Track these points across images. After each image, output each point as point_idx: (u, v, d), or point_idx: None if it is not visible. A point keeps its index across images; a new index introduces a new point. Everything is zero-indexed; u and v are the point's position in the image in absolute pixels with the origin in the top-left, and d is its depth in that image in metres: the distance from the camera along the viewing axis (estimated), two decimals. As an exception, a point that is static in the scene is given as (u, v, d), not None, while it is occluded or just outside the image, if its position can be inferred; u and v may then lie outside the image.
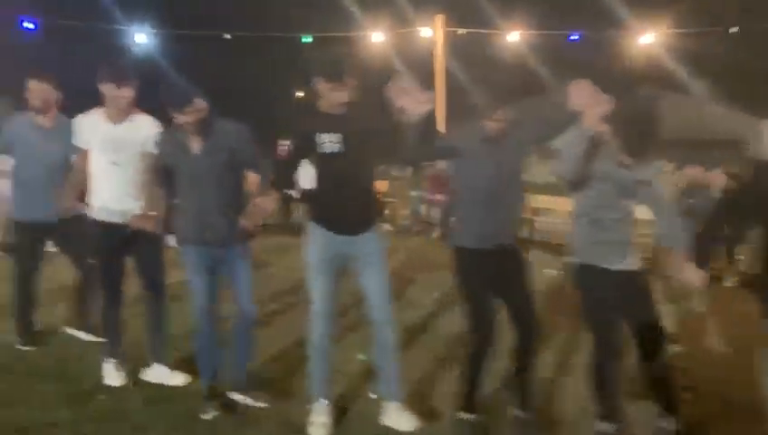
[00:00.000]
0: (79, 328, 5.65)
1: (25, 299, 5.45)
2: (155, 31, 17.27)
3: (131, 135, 4.62)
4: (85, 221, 4.99)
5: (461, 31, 17.64)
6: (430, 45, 17.40)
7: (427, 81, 16.46)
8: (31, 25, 15.49)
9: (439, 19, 17.19)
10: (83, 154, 4.77)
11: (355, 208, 4.07)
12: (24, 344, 5.40)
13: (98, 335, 5.20)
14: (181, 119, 4.09)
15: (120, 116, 4.60)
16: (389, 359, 4.22)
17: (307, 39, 17.94)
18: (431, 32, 17.30)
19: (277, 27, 17.81)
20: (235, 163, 4.23)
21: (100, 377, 4.81)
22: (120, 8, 17.27)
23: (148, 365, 4.88)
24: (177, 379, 4.79)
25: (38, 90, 5.19)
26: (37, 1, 15.82)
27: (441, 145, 4.04)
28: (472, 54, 17.55)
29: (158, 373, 4.82)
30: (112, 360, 4.83)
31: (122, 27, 17.01)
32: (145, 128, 4.64)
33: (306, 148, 4.05)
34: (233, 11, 17.59)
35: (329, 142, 3.92)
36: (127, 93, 4.52)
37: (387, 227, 14.14)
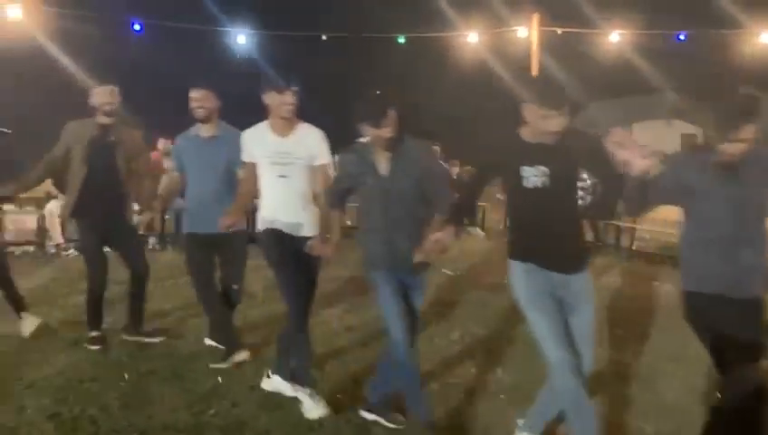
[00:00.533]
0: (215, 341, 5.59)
1: (216, 311, 5.36)
2: (255, 32, 17.69)
3: (299, 148, 4.48)
4: (242, 238, 5.24)
5: (560, 30, 17.43)
6: (527, 45, 17.29)
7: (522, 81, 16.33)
8: (137, 27, 16.09)
9: (535, 18, 17.07)
10: (250, 167, 4.68)
11: (565, 246, 3.63)
12: (236, 354, 5.24)
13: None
14: (373, 133, 3.89)
15: (285, 127, 4.48)
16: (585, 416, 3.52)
17: (402, 40, 18.08)
18: (527, 31, 17.19)
19: (373, 28, 17.88)
20: (423, 187, 3.98)
21: (216, 381, 4.90)
22: (222, 10, 17.76)
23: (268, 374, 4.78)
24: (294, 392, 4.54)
25: (200, 98, 5.11)
26: (142, 3, 16.37)
27: (664, 187, 3.43)
28: (569, 54, 17.36)
29: (277, 384, 4.65)
30: (304, 390, 4.47)
31: (224, 29, 17.51)
32: (312, 139, 4.53)
33: (503, 179, 3.68)
34: (330, 12, 17.78)
35: (534, 177, 3.49)
36: (289, 100, 4.40)
37: (478, 231, 14.17)
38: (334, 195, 4.29)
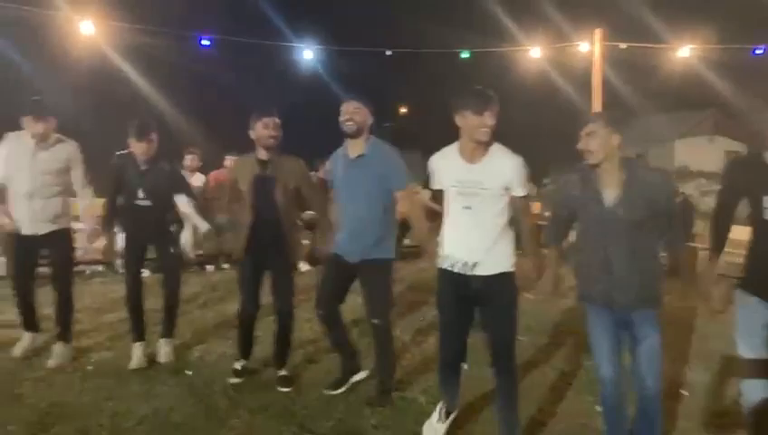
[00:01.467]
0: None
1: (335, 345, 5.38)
2: (321, 47, 17.90)
3: (488, 176, 4.01)
4: (384, 268, 4.93)
5: (623, 45, 17.24)
6: (589, 60, 17.15)
7: (584, 96, 16.26)
8: (207, 42, 16.45)
9: (598, 33, 16.92)
10: (409, 192, 4.65)
11: None
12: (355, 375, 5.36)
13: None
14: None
15: (476, 152, 4.03)
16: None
17: (465, 55, 18.11)
18: (588, 46, 17.05)
19: (436, 43, 17.97)
20: (653, 223, 3.72)
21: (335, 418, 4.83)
22: (288, 26, 18.03)
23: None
24: None
25: (351, 111, 4.80)
26: (212, 19, 16.75)
27: None
28: (635, 69, 17.16)
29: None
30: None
31: (291, 44, 17.77)
32: (506, 166, 4.02)
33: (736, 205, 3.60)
34: (393, 29, 17.96)
35: None
36: (488, 122, 3.94)
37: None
38: (553, 229, 4.08)
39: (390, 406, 4.93)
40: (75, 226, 8.46)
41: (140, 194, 5.69)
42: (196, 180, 10.77)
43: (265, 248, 5.26)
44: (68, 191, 5.77)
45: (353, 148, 4.89)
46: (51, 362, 5.64)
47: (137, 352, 5.83)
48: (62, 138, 5.65)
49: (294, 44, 17.81)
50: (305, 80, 18.39)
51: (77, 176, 5.72)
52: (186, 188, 5.95)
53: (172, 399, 5.04)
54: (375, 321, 4.96)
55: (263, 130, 5.11)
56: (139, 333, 5.93)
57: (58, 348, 5.74)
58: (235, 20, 16.09)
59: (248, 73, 15.43)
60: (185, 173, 10.50)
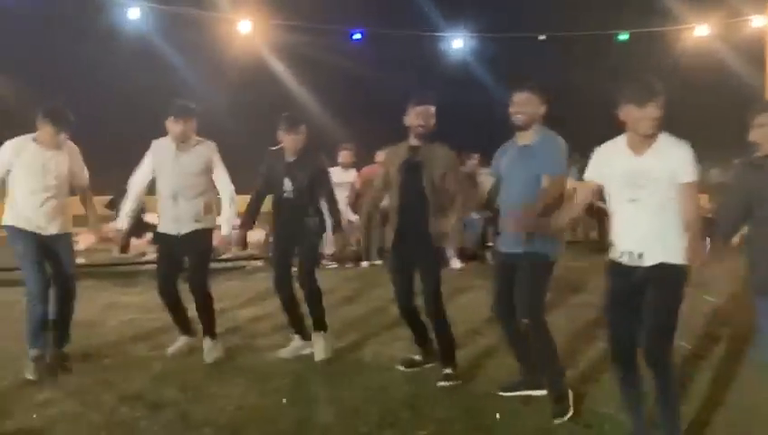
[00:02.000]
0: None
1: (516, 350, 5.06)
2: (470, 35, 17.61)
3: (657, 166, 3.81)
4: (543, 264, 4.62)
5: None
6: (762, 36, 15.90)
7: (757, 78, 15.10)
8: (358, 36, 16.61)
9: (773, 5, 15.62)
10: (558, 180, 4.49)
11: None
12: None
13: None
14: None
15: (643, 144, 3.84)
16: None
17: (624, 37, 17.31)
18: (764, 20, 15.78)
19: (592, 26, 17.19)
20: None
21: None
22: (437, 15, 17.81)
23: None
24: None
25: (521, 102, 4.60)
26: (363, 12, 16.77)
27: None
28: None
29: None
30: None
31: (439, 34, 17.59)
32: (674, 154, 3.81)
33: None
34: (549, 11, 17.33)
35: None
36: (653, 114, 3.73)
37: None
38: (724, 223, 3.93)
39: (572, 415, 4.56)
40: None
41: (287, 187, 5.68)
42: (350, 176, 10.78)
43: (411, 238, 5.17)
44: (211, 191, 5.80)
45: (522, 137, 4.71)
46: (207, 357, 5.67)
47: (291, 347, 5.89)
48: (202, 139, 5.70)
49: (444, 34, 17.65)
50: (454, 70, 18.13)
51: (218, 175, 5.75)
52: (326, 185, 5.86)
53: (356, 403, 4.86)
54: (526, 320, 4.66)
55: (414, 117, 5.10)
56: (296, 327, 5.94)
57: (206, 344, 5.75)
58: (382, 13, 15.92)
59: (398, 66, 15.32)
60: (339, 169, 10.58)
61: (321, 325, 5.82)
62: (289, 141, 5.66)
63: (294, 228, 5.73)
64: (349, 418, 4.60)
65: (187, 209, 5.60)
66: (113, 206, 7.37)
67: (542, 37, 17.49)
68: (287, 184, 5.67)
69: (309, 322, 5.89)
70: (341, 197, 10.50)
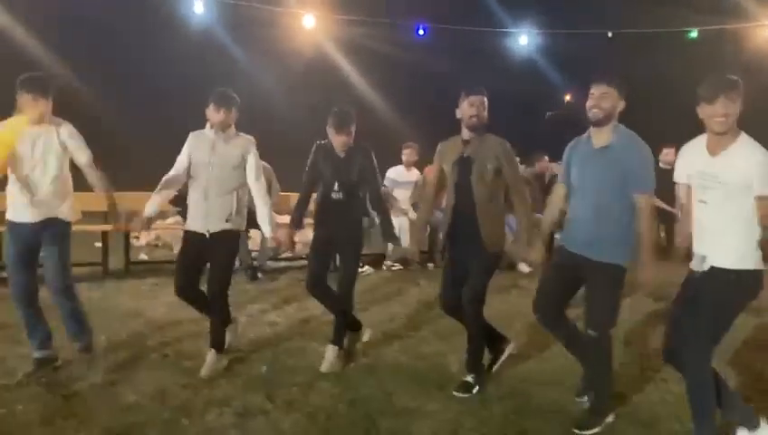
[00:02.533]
0: None
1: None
2: (537, 32, 17.30)
3: (727, 170, 3.76)
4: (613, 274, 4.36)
5: None
6: None
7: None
8: (422, 31, 16.44)
9: None
10: (650, 198, 4.29)
11: None
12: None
13: None
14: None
15: (718, 144, 3.81)
16: None
17: (693, 35, 16.82)
18: None
19: (661, 23, 16.72)
20: None
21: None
22: (503, 11, 17.52)
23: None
24: None
25: (599, 96, 4.33)
26: (428, 7, 16.54)
27: None
28: None
29: None
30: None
31: (505, 30, 17.30)
32: (745, 161, 3.72)
33: None
34: (617, 8, 16.90)
35: None
36: (719, 111, 3.71)
37: None
38: None
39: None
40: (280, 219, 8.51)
41: (335, 186, 5.42)
42: (413, 175, 10.52)
43: (463, 239, 4.96)
44: (243, 190, 5.49)
45: (598, 136, 4.37)
46: (203, 372, 5.27)
47: (329, 355, 5.57)
48: (240, 133, 5.44)
49: (510, 30, 17.35)
50: (520, 67, 17.81)
51: (251, 168, 5.43)
52: (374, 183, 5.58)
53: (452, 415, 4.64)
54: (591, 332, 4.40)
55: (468, 108, 4.87)
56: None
57: (211, 357, 5.38)
58: (447, 8, 15.67)
59: (463, 63, 15.07)
60: (402, 168, 10.35)
61: (339, 340, 5.59)
62: (338, 142, 5.38)
63: (338, 228, 5.48)
64: (447, 432, 4.39)
65: (218, 206, 5.30)
66: (176, 203, 7.11)
67: (610, 34, 17.09)
68: (335, 180, 5.43)
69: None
70: (404, 196, 10.30)
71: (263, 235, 8.27)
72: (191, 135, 5.42)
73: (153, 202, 5.38)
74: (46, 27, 14.19)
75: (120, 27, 14.19)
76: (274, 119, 14.16)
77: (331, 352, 5.49)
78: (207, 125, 5.37)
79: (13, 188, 5.11)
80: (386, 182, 10.27)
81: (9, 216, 5.16)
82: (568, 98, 21.29)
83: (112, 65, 14.49)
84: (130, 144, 13.24)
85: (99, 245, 9.12)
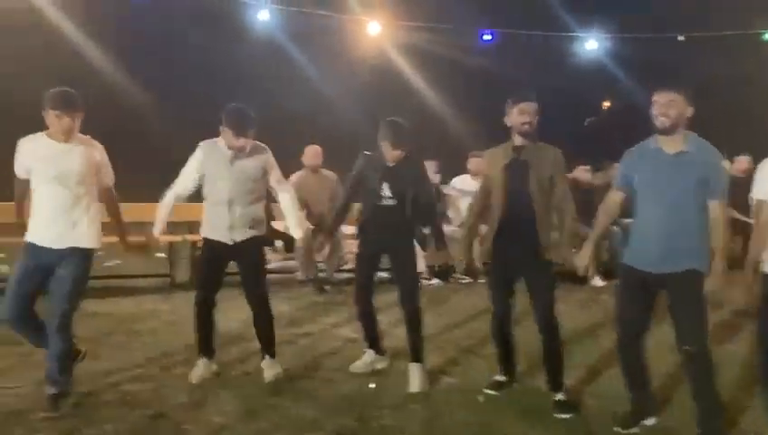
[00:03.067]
0: None
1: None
2: (605, 36, 16.94)
3: None
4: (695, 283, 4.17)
5: None
6: None
7: None
8: (488, 36, 16.30)
9: None
10: (724, 207, 4.17)
11: None
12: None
13: None
14: None
15: None
16: None
17: (768, 36, 16.31)
18: None
19: (735, 25, 16.20)
20: None
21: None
22: (570, 16, 17.21)
23: None
24: None
25: (665, 103, 4.18)
26: (494, 12, 16.35)
27: None
28: None
29: None
30: None
31: (572, 34, 16.98)
32: None
33: None
34: (689, 11, 16.42)
35: None
36: None
37: None
38: None
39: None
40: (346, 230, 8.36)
41: (384, 192, 5.28)
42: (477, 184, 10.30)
43: (516, 246, 4.80)
44: (265, 198, 5.46)
45: (670, 144, 4.22)
46: (267, 375, 5.30)
47: (365, 359, 5.59)
48: (257, 143, 5.30)
49: (578, 34, 17.02)
50: (588, 72, 17.45)
51: (276, 177, 5.39)
52: (427, 193, 5.45)
53: None
54: (688, 348, 4.19)
55: (518, 115, 4.76)
56: (371, 341, 5.67)
57: (267, 363, 5.36)
58: (513, 13, 15.43)
59: (531, 68, 14.86)
60: (468, 177, 10.16)
61: (419, 355, 5.41)
62: (392, 156, 5.27)
63: (387, 238, 5.36)
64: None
65: (244, 216, 5.22)
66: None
67: (681, 38, 16.62)
68: (385, 189, 5.29)
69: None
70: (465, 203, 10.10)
71: (333, 245, 8.12)
72: (203, 146, 5.30)
73: (161, 221, 5.38)
74: (102, 32, 14.39)
75: (182, 34, 14.27)
76: (339, 127, 14.07)
77: (416, 370, 5.32)
78: (219, 139, 5.25)
79: None
80: (451, 191, 10.11)
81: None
82: (607, 104, 20.90)
83: (171, 71, 14.55)
84: (188, 151, 13.29)
85: (162, 255, 9.15)
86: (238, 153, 5.16)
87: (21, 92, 9.45)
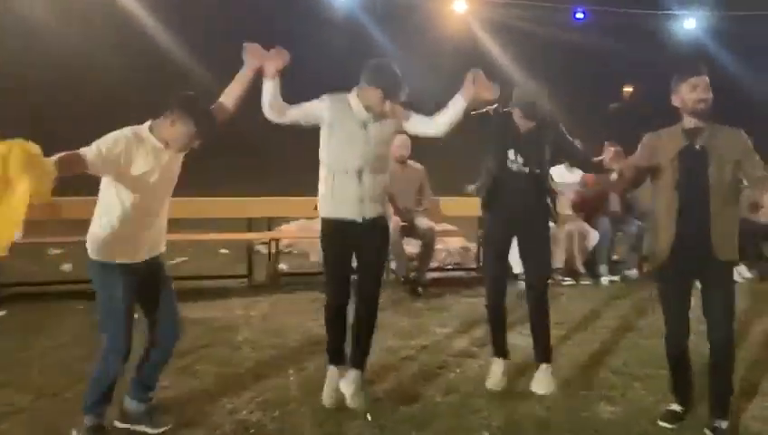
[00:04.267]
0: None
1: None
2: (708, 14, 16.06)
3: None
4: None
5: None
6: None
7: None
8: (581, 15, 15.63)
9: None
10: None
11: None
12: None
13: None
14: None
15: None
16: None
17: None
18: None
19: None
20: None
21: None
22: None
23: None
24: None
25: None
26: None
27: None
28: None
29: None
30: None
31: (670, 12, 16.19)
32: None
33: None
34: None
35: None
36: None
37: None
38: None
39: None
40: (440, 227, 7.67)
41: (511, 156, 4.67)
42: (575, 176, 9.50)
43: (693, 250, 4.09)
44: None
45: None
46: (354, 400, 4.44)
47: (495, 370, 4.86)
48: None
49: (677, 12, 16.18)
50: (686, 51, 16.57)
51: (420, 120, 4.51)
52: (572, 148, 4.92)
53: None
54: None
55: (689, 92, 4.08)
56: (498, 346, 4.95)
57: (351, 375, 4.51)
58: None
59: (625, 47, 14.13)
60: (562, 167, 9.40)
61: (548, 355, 4.86)
62: (523, 125, 4.67)
63: (520, 215, 4.71)
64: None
65: (374, 187, 4.41)
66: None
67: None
68: (512, 153, 4.65)
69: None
70: (565, 200, 9.35)
71: (425, 242, 7.61)
72: (330, 99, 4.41)
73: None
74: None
75: (260, 13, 14.03)
76: (424, 111, 13.55)
77: (544, 373, 4.80)
78: (352, 97, 4.41)
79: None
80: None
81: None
82: (629, 89, 19.95)
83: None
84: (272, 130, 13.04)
85: (225, 251, 8.71)
86: (377, 116, 4.42)
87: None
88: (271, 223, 8.24)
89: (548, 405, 4.54)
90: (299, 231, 9.49)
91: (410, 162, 8.05)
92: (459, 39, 15.81)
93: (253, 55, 4.17)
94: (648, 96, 17.91)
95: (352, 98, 4.37)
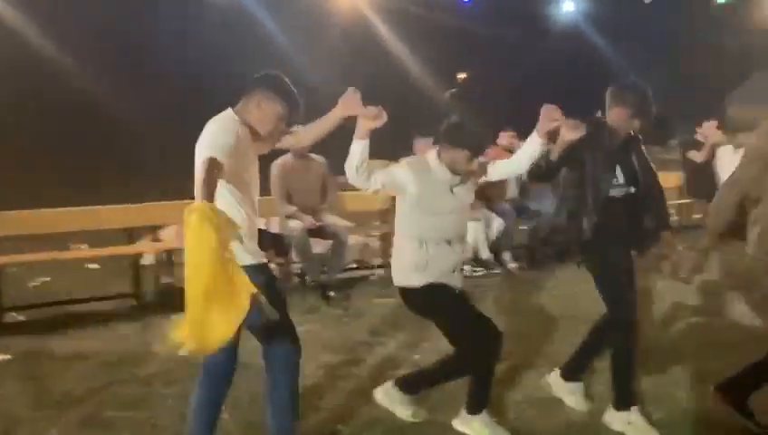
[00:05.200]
0: None
1: None
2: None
3: None
4: None
5: None
6: None
7: None
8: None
9: None
10: None
11: None
12: None
13: None
14: None
15: None
16: None
17: None
18: None
19: None
20: None
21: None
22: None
23: None
24: None
25: None
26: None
27: None
28: None
29: None
30: None
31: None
32: None
33: None
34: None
35: None
36: None
37: None
38: None
39: None
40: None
41: (620, 178, 4.06)
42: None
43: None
44: None
45: None
46: None
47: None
48: None
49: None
50: (563, 32, 17.06)
51: None
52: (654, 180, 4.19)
53: None
54: None
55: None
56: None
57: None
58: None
59: (514, 25, 14.04)
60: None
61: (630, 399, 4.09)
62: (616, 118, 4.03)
63: (625, 237, 4.06)
64: None
65: (463, 256, 4.15)
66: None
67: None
68: (619, 175, 4.04)
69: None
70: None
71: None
72: (412, 168, 3.94)
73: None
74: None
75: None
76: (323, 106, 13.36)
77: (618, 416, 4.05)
78: (432, 159, 3.99)
79: None
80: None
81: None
82: (462, 76, 20.55)
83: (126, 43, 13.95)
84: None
85: (94, 266, 7.84)
86: (463, 178, 4.04)
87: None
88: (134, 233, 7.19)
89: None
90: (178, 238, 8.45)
91: (312, 155, 7.54)
92: (347, 22, 15.59)
93: (351, 105, 3.61)
94: (480, 81, 18.40)
95: (432, 161, 3.95)
